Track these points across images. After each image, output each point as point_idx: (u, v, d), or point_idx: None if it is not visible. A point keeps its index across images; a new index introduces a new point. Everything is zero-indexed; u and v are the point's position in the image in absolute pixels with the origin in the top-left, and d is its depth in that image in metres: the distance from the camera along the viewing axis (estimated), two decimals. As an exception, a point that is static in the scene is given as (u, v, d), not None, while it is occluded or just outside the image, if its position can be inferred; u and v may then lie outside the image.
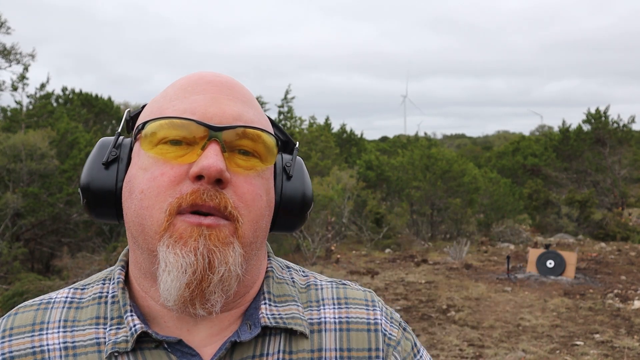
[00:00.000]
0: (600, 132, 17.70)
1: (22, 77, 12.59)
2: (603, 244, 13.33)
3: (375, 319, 0.83)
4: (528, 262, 9.86)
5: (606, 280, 9.35)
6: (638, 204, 19.77)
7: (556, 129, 26.05)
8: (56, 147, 12.09)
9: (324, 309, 0.82)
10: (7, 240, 10.42)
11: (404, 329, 0.86)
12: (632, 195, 18.97)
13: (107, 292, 0.78)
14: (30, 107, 13.70)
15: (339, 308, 0.82)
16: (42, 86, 13.48)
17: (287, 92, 11.22)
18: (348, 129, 23.91)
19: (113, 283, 0.78)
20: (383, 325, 0.83)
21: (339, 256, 11.14)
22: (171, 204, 0.66)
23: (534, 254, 9.78)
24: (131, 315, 0.72)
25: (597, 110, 18.07)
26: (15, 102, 13.12)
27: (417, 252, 12.37)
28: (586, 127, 18.32)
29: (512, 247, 13.27)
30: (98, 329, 0.75)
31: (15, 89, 12.73)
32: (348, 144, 23.15)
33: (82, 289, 0.81)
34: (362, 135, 24.42)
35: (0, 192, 11.30)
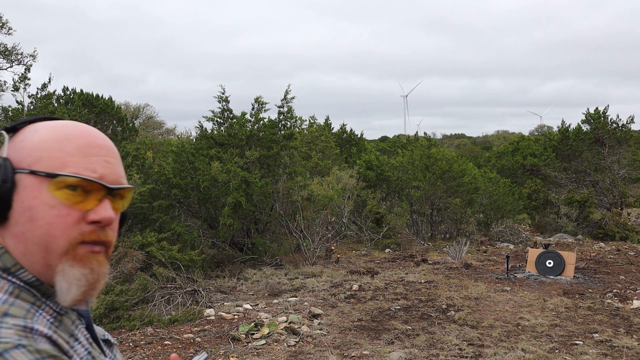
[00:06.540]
0: (599, 132, 17.72)
1: (24, 78, 12.59)
2: (602, 244, 13.38)
3: None
4: (527, 262, 9.91)
5: (605, 279, 9.40)
6: (637, 204, 19.79)
7: (555, 128, 26.10)
8: (57, 147, 12.06)
9: None
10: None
11: None
12: (631, 195, 18.97)
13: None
14: (32, 107, 13.70)
15: None
16: (44, 86, 13.48)
17: (286, 92, 11.24)
18: (348, 129, 23.92)
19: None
20: None
21: (339, 256, 11.19)
22: (75, 238, 0.89)
23: (533, 253, 9.83)
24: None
25: (597, 110, 18.08)
26: (17, 102, 13.12)
27: (417, 252, 12.43)
28: (585, 127, 18.33)
29: (511, 246, 13.32)
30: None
31: (16, 89, 12.74)
32: (348, 144, 23.17)
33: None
34: (362, 135, 24.40)
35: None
